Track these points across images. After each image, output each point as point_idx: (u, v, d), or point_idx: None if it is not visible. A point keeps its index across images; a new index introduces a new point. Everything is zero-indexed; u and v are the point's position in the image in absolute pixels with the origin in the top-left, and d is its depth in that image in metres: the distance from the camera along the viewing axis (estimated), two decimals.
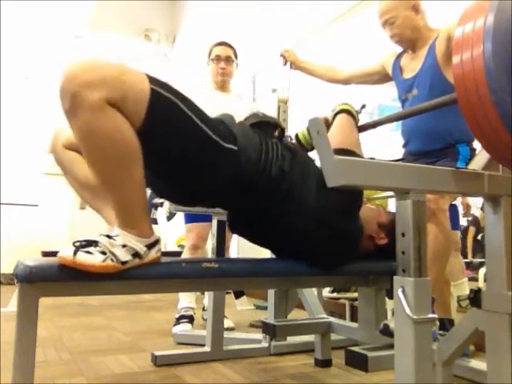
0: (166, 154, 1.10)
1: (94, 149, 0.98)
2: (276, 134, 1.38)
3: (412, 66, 1.93)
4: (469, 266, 3.41)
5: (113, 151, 0.97)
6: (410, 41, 1.93)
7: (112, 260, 0.99)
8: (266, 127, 1.35)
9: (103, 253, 0.98)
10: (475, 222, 3.94)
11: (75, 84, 0.92)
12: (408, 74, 1.95)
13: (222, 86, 2.67)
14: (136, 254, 1.03)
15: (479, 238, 3.82)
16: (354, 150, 1.29)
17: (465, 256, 3.60)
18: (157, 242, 1.08)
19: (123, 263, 1.00)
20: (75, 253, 0.95)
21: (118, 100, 0.95)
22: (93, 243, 0.99)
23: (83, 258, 0.96)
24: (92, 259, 0.96)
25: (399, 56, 2.03)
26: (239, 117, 2.10)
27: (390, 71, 2.06)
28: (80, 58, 0.99)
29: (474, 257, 3.71)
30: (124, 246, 1.01)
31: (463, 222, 3.67)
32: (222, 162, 1.15)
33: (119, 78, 0.97)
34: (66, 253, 0.96)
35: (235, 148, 1.17)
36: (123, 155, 0.99)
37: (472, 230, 3.93)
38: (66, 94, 0.94)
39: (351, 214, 1.31)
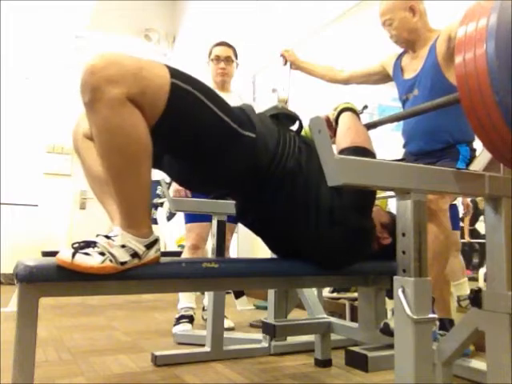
0: (186, 144, 1.13)
1: (108, 144, 0.99)
2: (294, 127, 1.39)
3: (413, 67, 1.94)
4: (467, 252, 3.35)
5: (127, 148, 0.98)
6: (407, 42, 1.94)
7: (111, 261, 0.98)
8: (285, 120, 1.36)
9: (102, 254, 0.98)
10: (473, 204, 3.90)
11: (96, 78, 0.93)
12: (409, 75, 1.95)
13: (222, 86, 2.67)
14: (135, 254, 1.03)
15: (477, 227, 3.78)
16: (367, 146, 1.29)
17: (462, 237, 3.56)
18: (156, 241, 1.08)
19: (122, 264, 1.00)
20: (73, 255, 0.95)
21: (137, 95, 0.96)
22: (91, 244, 0.99)
23: (81, 260, 0.95)
24: (90, 261, 0.96)
25: (400, 56, 2.04)
26: None
27: (390, 71, 2.06)
28: (98, 52, 0.99)
29: (471, 238, 3.67)
30: (123, 246, 1.01)
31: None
32: (239, 148, 1.17)
33: (140, 73, 0.98)
34: (64, 255, 0.96)
35: (253, 135, 1.18)
36: (136, 153, 0.99)
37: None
38: (86, 88, 0.94)
39: (366, 213, 1.31)
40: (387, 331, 1.37)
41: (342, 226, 1.23)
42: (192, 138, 1.12)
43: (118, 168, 1.01)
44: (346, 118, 1.40)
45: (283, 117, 1.35)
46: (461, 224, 2.92)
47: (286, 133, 1.28)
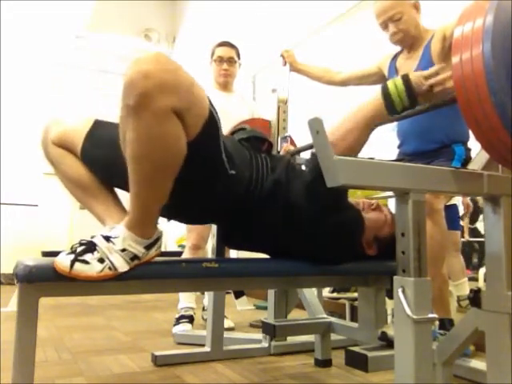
0: (190, 169, 1.07)
1: (144, 152, 0.95)
2: (264, 147, 1.38)
3: (407, 67, 1.93)
4: (466, 252, 3.36)
5: (162, 160, 0.96)
6: (412, 38, 1.91)
7: (110, 268, 0.98)
8: (255, 141, 1.35)
9: (101, 260, 0.97)
10: (473, 202, 3.91)
11: (149, 83, 0.87)
12: None
13: (225, 86, 2.67)
14: (134, 257, 1.03)
15: (477, 226, 3.79)
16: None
17: (462, 235, 3.57)
18: (157, 240, 1.08)
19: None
20: (72, 264, 0.94)
21: (182, 110, 0.93)
22: (91, 248, 0.98)
23: (80, 269, 0.95)
24: (89, 270, 0.95)
25: (395, 57, 2.03)
26: (240, 117, 2.09)
27: (385, 72, 2.06)
28: (146, 51, 0.94)
29: (471, 237, 3.68)
30: (123, 250, 1.00)
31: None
32: (223, 184, 1.16)
33: (191, 88, 0.95)
34: (62, 263, 0.95)
35: (234, 172, 1.17)
36: (169, 165, 0.97)
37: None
38: (134, 90, 0.88)
39: (342, 204, 1.30)
40: (385, 339, 1.38)
41: (323, 225, 1.23)
42: (193, 167, 1.07)
43: (146, 175, 0.98)
44: (357, 107, 1.25)
45: (253, 139, 1.35)
46: (461, 223, 2.92)
47: (257, 156, 1.28)
